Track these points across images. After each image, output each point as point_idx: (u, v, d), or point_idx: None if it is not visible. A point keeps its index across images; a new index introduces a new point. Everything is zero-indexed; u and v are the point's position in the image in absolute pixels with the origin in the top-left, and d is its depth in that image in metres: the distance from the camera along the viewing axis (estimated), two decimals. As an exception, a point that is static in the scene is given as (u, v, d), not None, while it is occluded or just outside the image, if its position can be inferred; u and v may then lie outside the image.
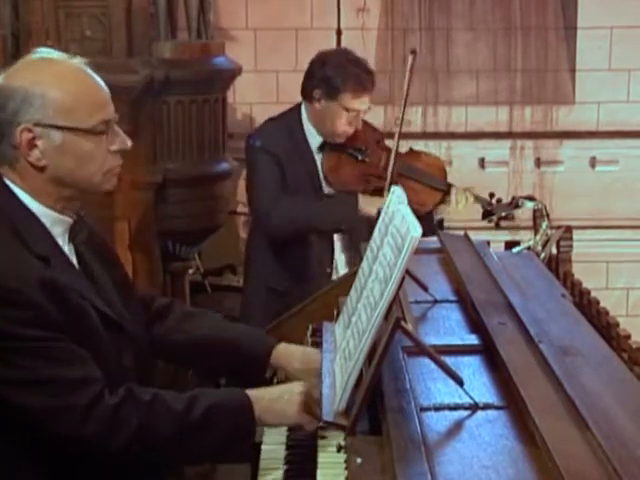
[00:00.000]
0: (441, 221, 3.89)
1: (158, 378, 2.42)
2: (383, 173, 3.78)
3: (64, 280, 1.97)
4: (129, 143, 2.10)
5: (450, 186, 3.88)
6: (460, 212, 3.85)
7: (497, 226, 3.88)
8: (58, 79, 2.02)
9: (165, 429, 1.98)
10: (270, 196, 3.68)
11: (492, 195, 3.88)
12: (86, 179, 2.06)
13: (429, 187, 3.85)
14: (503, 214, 3.93)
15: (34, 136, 1.99)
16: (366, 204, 3.68)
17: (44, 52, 2.09)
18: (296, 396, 2.09)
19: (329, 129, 3.75)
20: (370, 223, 3.52)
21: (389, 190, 3.60)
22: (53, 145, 2.00)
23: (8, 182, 2.04)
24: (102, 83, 2.08)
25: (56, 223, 2.06)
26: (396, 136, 3.76)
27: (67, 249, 2.08)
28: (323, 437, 2.07)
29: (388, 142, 3.89)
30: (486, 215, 3.91)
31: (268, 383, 2.37)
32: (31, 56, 2.08)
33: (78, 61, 2.07)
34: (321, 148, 3.80)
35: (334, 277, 3.83)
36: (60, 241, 2.06)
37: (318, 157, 3.80)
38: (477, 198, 3.86)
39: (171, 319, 2.40)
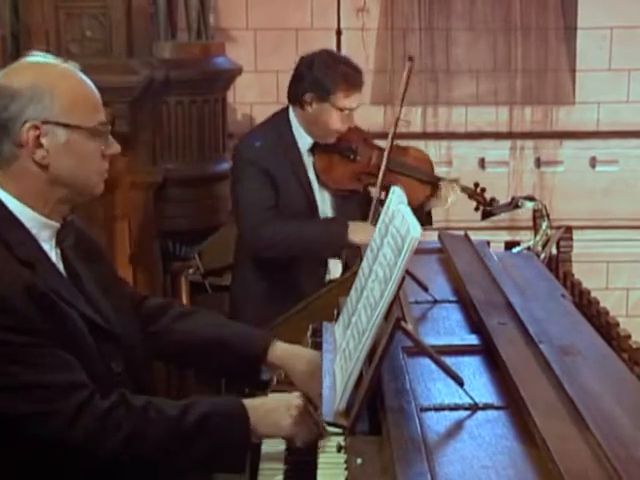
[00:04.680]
0: (429, 212, 3.91)
1: (154, 384, 2.40)
2: (374, 170, 3.78)
3: (49, 286, 1.96)
4: (119, 148, 2.13)
5: (439, 179, 3.89)
6: (448, 204, 3.88)
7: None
8: (63, 78, 2.04)
9: (156, 435, 1.95)
10: (258, 212, 3.63)
11: (477, 185, 3.91)
12: (84, 180, 2.07)
13: (419, 180, 3.87)
14: (503, 214, 3.95)
15: (40, 134, 1.99)
16: (354, 233, 3.62)
17: (40, 55, 2.11)
18: (293, 409, 2.07)
19: (322, 130, 3.72)
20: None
21: (382, 186, 3.66)
22: (58, 143, 2.01)
23: None
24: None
25: (42, 228, 2.05)
26: (390, 137, 3.76)
27: (53, 254, 2.07)
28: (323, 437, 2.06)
29: (379, 142, 3.90)
30: (486, 215, 3.92)
31: (267, 385, 2.36)
32: (28, 58, 2.09)
33: (73, 65, 2.10)
34: (311, 150, 3.78)
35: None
36: (46, 246, 2.05)
37: (308, 160, 3.77)
38: (463, 189, 3.88)
39: (166, 319, 2.39)
